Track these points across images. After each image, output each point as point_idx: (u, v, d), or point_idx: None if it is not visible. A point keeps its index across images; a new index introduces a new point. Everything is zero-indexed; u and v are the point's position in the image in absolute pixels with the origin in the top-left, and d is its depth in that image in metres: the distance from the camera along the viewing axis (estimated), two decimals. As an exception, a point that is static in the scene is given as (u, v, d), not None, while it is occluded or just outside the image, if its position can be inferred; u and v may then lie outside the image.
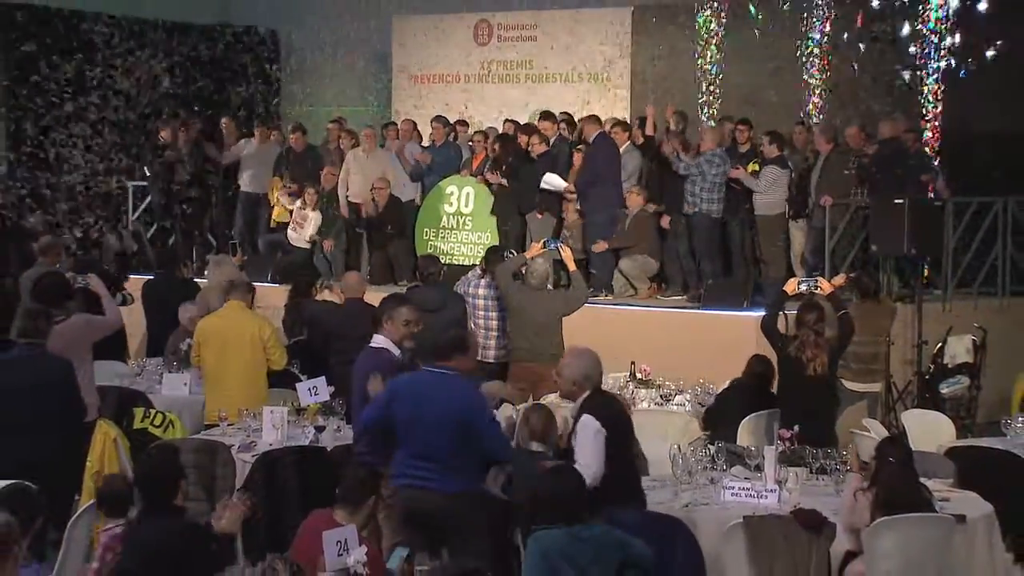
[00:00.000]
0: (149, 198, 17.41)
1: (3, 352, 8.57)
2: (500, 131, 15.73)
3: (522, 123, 15.65)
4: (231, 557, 5.89)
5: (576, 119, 15.42)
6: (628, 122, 15.07)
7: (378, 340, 8.41)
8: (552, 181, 14.33)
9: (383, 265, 15.41)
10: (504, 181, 14.68)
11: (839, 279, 11.88)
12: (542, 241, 11.73)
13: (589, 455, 7.36)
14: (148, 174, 17.25)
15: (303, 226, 15.65)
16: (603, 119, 15.14)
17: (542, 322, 11.06)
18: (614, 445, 7.46)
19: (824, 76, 15.97)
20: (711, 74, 16.58)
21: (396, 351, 8.30)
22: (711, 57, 16.56)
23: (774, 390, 9.83)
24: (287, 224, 15.89)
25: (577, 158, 14.32)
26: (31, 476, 7.22)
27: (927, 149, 14.68)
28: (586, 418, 7.44)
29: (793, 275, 13.85)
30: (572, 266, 11.51)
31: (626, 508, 7.07)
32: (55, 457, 8.09)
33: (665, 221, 14.04)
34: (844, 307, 9.68)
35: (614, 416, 7.64)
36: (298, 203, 15.71)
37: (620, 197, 13.99)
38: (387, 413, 7.59)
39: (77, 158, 19.05)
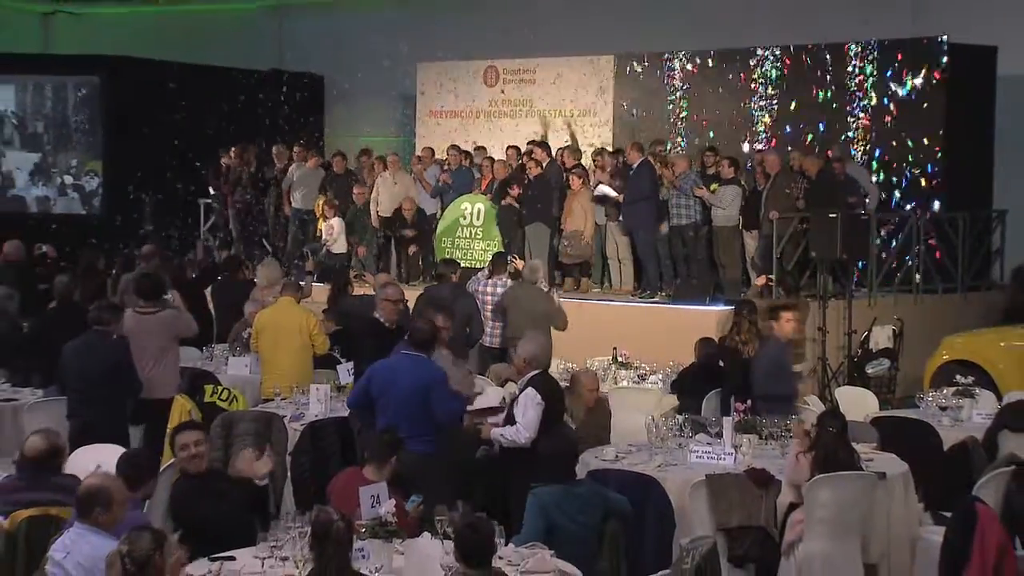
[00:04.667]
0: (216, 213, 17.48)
1: (77, 337, 8.78)
2: (504, 158, 15.67)
3: (522, 150, 15.56)
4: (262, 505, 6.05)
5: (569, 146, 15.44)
6: (610, 151, 15.02)
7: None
8: (604, 191, 14.03)
9: (408, 267, 15.42)
10: (517, 196, 14.40)
11: (760, 280, 12.01)
12: None
13: (528, 420, 7.56)
14: (213, 193, 17.37)
15: (333, 234, 15.63)
16: (587, 150, 15.04)
17: (540, 313, 11.08)
18: (547, 420, 7.59)
19: (773, 110, 15.93)
20: (680, 109, 16.56)
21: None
22: (680, 96, 16.54)
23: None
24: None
25: (574, 180, 14.20)
26: (91, 437, 7.54)
27: (862, 170, 14.58)
28: (530, 390, 7.66)
29: (747, 276, 13.92)
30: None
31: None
32: (107, 420, 8.32)
33: None
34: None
35: (553, 396, 7.78)
36: (323, 226, 15.70)
37: (659, 215, 13.66)
38: (365, 393, 7.70)
39: (159, 183, 19.15)
